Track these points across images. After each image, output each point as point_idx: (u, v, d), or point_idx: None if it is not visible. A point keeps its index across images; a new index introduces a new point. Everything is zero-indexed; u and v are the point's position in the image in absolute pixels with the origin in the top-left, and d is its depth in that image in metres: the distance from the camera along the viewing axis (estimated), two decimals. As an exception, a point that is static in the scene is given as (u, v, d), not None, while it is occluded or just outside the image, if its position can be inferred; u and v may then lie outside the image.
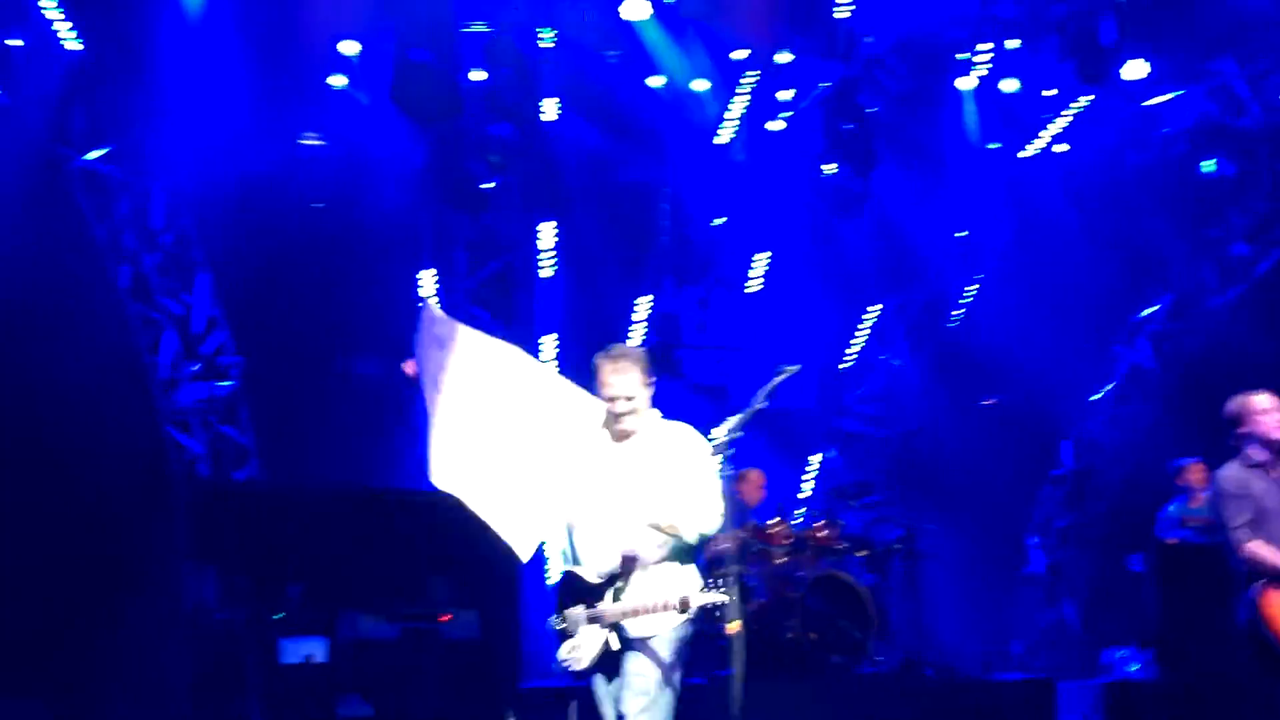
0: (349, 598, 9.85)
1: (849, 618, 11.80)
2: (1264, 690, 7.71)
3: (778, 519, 12.37)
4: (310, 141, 13.96)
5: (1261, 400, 7.97)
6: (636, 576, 6.52)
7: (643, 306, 15.29)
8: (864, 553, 12.70)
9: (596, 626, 6.49)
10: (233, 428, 13.35)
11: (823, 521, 12.53)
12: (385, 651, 9.77)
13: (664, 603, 6.46)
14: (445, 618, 9.98)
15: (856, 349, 16.28)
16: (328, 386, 13.29)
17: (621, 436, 6.77)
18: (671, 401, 14.29)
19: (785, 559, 12.11)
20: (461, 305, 14.46)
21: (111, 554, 10.54)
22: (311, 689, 9.46)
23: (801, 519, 13.35)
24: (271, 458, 13.24)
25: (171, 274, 13.39)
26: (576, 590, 6.62)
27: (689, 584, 6.60)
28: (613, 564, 6.53)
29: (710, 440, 6.92)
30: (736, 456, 6.78)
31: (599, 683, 6.70)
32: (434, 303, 6.99)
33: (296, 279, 13.27)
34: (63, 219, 12.84)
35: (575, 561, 6.72)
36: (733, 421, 6.77)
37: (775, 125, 15.37)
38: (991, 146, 15.61)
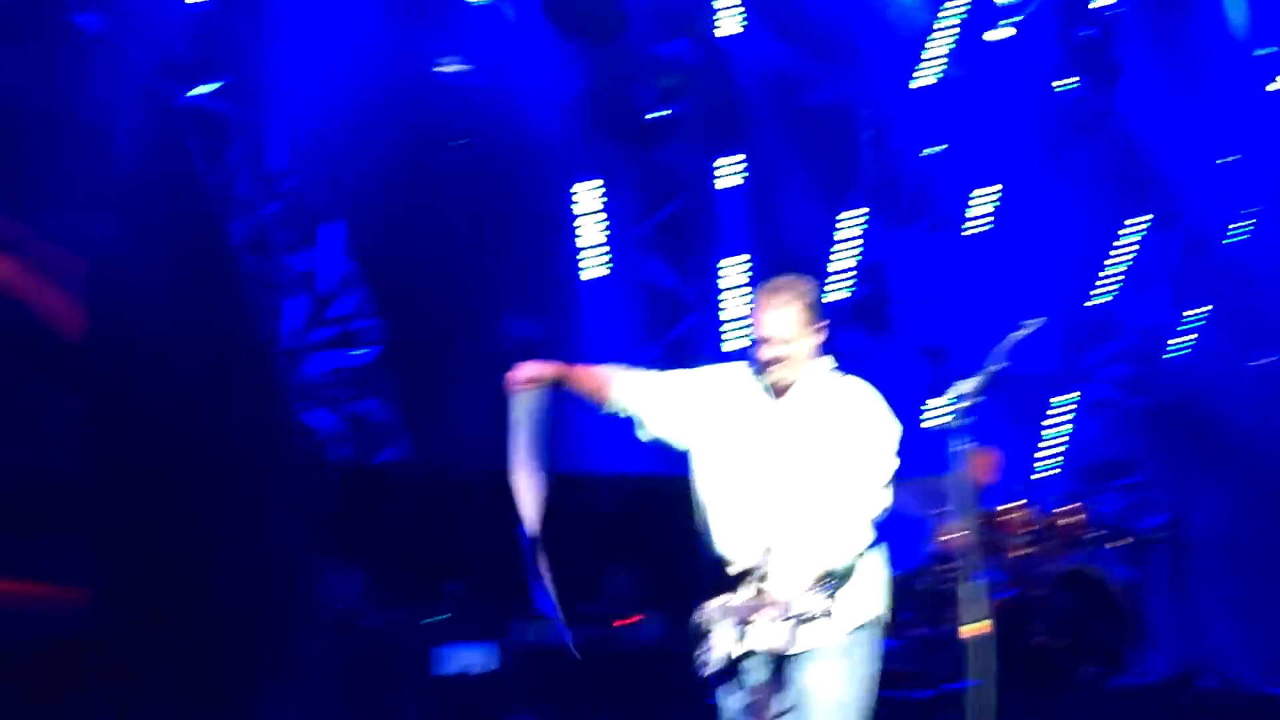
0: (518, 597, 9.87)
1: (1103, 620, 11.71)
2: None
3: (1016, 503, 12.30)
4: (450, 68, 14.08)
5: None
6: (781, 568, 6.03)
7: (846, 254, 15.27)
8: (1120, 542, 12.59)
9: (728, 623, 6.07)
10: (372, 402, 13.50)
11: (1070, 506, 12.44)
12: (562, 660, 9.78)
13: (776, 604, 5.96)
14: (631, 619, 10.00)
15: (1105, 299, 16.09)
16: (481, 351, 13.40)
17: (778, 391, 6.32)
18: (885, 365, 14.40)
19: (1026, 551, 12.04)
20: (633, 257, 14.53)
21: (237, 553, 10.68)
22: (476, 704, 9.52)
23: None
24: (418, 436, 13.35)
25: (294, 225, 13.53)
26: (720, 579, 6.22)
27: (794, 587, 6.01)
28: (751, 556, 6.09)
29: (928, 409, 6.66)
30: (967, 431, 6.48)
31: (725, 693, 6.27)
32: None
33: (440, 227, 13.33)
34: (168, 165, 13.06)
35: (714, 547, 6.36)
36: (966, 386, 6.48)
37: (997, 34, 15.27)
38: (1261, 52, 15.38)
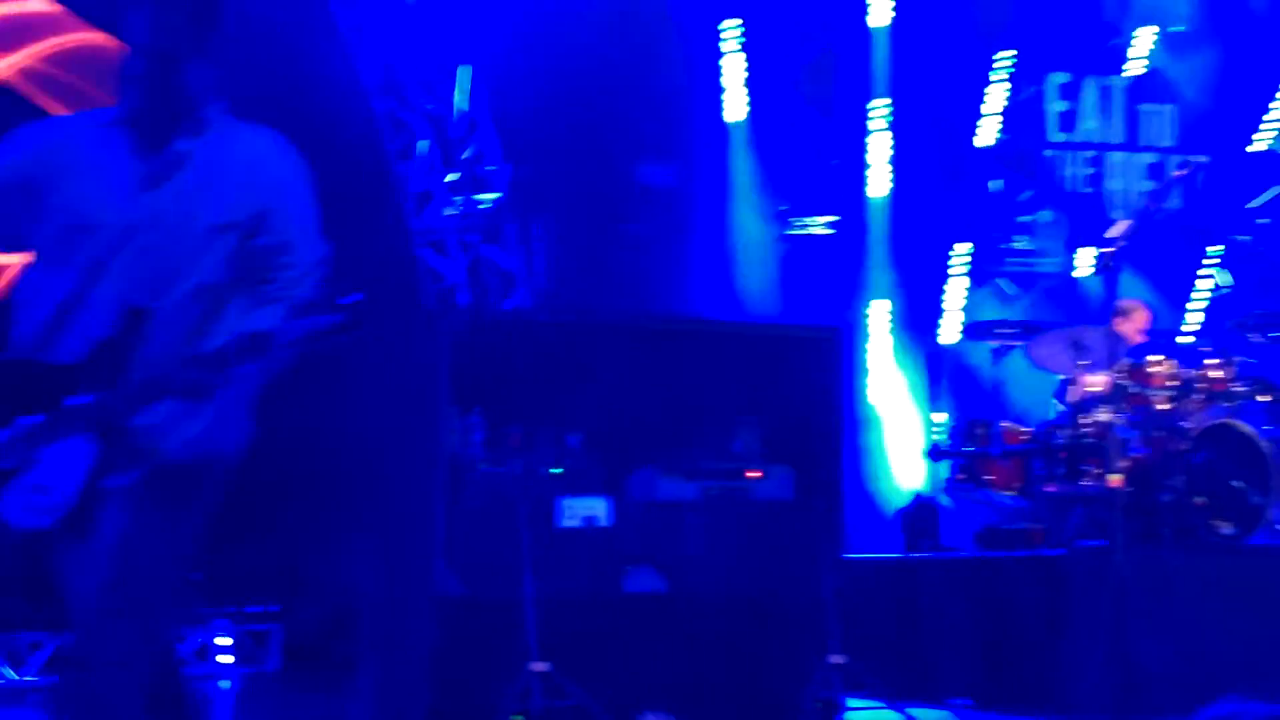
0: (638, 450, 9.88)
1: (1245, 477, 11.58)
2: None
3: (1159, 355, 12.17)
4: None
5: None
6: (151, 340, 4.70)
7: (995, 96, 15.12)
8: (1267, 398, 12.42)
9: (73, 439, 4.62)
10: (497, 249, 13.54)
11: (1216, 360, 12.29)
12: (682, 514, 9.77)
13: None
14: (753, 474, 9.94)
15: (1266, 142, 15.74)
16: (610, 199, 13.42)
17: (152, 133, 4.82)
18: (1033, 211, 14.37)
19: (1167, 405, 11.92)
20: (782, 90, 14.42)
21: (357, 395, 10.77)
22: (594, 557, 9.55)
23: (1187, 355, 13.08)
24: (543, 284, 13.42)
25: (426, 64, 13.54)
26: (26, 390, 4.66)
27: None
28: (106, 334, 4.69)
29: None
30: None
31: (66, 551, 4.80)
32: None
33: (571, 69, 13.30)
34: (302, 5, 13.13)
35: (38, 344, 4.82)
36: (1116, 230, 6.43)
37: None
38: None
